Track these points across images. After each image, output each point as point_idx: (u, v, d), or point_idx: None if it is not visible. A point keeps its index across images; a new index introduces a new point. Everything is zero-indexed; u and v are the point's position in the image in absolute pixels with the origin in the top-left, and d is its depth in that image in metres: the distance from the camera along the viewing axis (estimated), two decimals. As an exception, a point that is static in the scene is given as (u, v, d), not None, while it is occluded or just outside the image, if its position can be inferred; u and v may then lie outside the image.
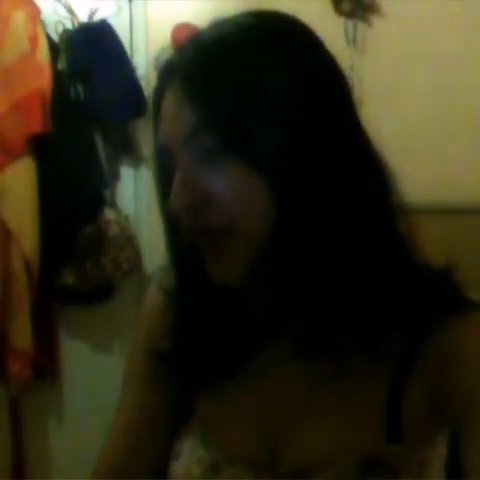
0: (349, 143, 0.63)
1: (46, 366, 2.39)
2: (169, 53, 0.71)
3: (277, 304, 0.69)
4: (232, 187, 0.61)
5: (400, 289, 0.65)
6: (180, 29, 2.38)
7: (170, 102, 0.64)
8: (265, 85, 0.61)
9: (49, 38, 2.29)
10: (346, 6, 2.29)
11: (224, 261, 0.64)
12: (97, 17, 2.34)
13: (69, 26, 2.34)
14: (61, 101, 2.25)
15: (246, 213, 0.62)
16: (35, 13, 2.25)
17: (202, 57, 0.63)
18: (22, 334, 2.23)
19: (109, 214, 2.34)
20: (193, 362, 0.73)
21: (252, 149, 0.60)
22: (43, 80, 2.19)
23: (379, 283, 0.64)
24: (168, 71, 0.66)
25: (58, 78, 2.26)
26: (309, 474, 0.66)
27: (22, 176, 2.22)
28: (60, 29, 2.33)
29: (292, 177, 0.61)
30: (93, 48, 2.27)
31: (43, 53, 2.22)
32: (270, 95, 0.60)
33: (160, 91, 0.66)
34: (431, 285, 0.67)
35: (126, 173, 2.48)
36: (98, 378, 2.47)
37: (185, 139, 0.62)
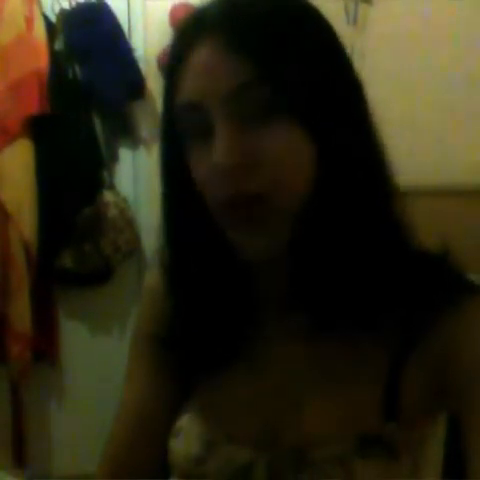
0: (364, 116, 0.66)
1: (46, 348, 2.41)
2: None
3: (295, 277, 0.68)
4: (282, 142, 0.60)
5: (404, 271, 0.66)
6: (178, 9, 2.35)
7: (207, 56, 0.61)
8: (311, 41, 0.62)
9: (46, 18, 2.28)
10: (346, -15, 2.27)
11: (263, 231, 0.62)
12: (94, -4, 2.32)
13: (66, 6, 2.31)
14: (59, 82, 2.24)
15: (292, 172, 0.61)
16: (32, -7, 2.23)
17: (248, 10, 0.61)
18: (21, 316, 2.23)
19: (108, 196, 2.33)
20: (193, 345, 0.73)
21: (300, 103, 0.60)
22: (40, 61, 2.18)
23: (383, 264, 0.65)
24: (199, 25, 0.63)
25: (55, 59, 2.24)
26: (307, 452, 0.66)
27: (20, 158, 2.21)
28: (57, 9, 2.31)
29: (333, 131, 0.61)
30: (90, 28, 2.25)
31: (40, 33, 2.21)
32: (315, 50, 0.62)
33: (186, 46, 0.63)
34: (435, 268, 0.68)
35: (124, 155, 2.47)
36: (98, 360, 2.48)
37: (232, 94, 0.59)
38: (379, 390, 0.66)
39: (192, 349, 0.73)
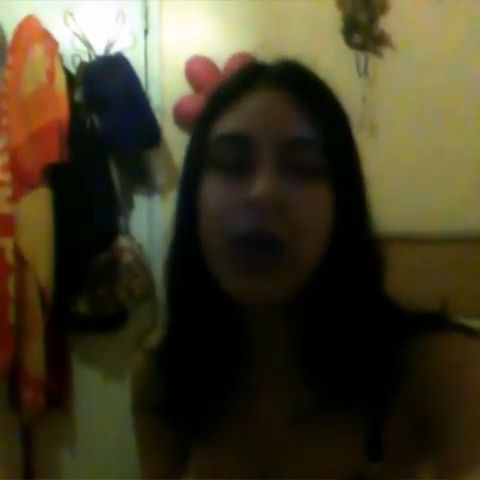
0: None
1: (59, 394, 2.40)
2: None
3: (300, 329, 0.69)
4: (318, 202, 0.62)
5: (384, 326, 0.67)
6: (194, 61, 2.43)
7: (271, 101, 0.64)
8: (344, 112, 0.68)
9: (66, 70, 2.35)
10: (357, 39, 2.33)
11: (275, 277, 0.61)
12: (113, 50, 2.41)
13: (86, 59, 2.40)
14: (77, 132, 2.30)
15: (315, 233, 0.63)
16: (53, 46, 2.31)
17: (311, 77, 0.67)
18: (35, 361, 2.24)
19: (123, 242, 2.36)
20: (182, 410, 0.74)
21: (339, 168, 0.64)
22: (60, 111, 2.24)
23: (374, 318, 0.67)
24: (263, 74, 0.66)
25: (75, 109, 2.31)
26: None
27: (38, 205, 2.25)
28: (77, 62, 2.40)
29: (350, 189, 0.65)
30: (109, 80, 2.32)
31: (60, 85, 2.28)
32: (346, 119, 0.68)
33: (244, 85, 0.65)
34: (405, 320, 0.69)
35: (140, 202, 2.51)
36: (111, 406, 2.46)
37: (289, 142, 0.62)
38: (363, 433, 0.67)
39: (180, 412, 0.75)
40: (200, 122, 0.68)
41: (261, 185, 0.60)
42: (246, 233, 0.60)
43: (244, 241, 0.61)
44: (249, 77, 0.66)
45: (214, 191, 0.64)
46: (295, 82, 0.65)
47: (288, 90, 0.63)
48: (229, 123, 0.64)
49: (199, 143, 0.67)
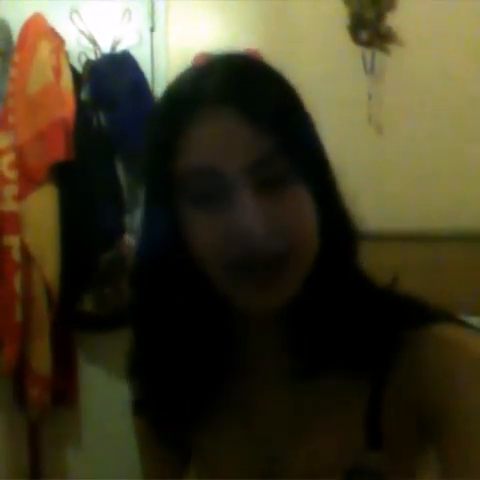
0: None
1: (65, 391, 2.41)
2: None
3: (293, 325, 0.70)
4: (299, 201, 0.63)
5: (372, 310, 0.68)
6: (200, 59, 2.41)
7: (221, 126, 0.61)
8: (302, 108, 0.67)
9: (73, 68, 2.36)
10: (364, 35, 2.32)
11: (280, 284, 0.63)
12: (119, 48, 2.41)
13: (92, 57, 2.40)
14: (83, 130, 2.30)
15: (308, 232, 0.64)
16: (59, 44, 2.32)
17: (254, 81, 0.64)
18: (42, 359, 2.25)
19: (129, 240, 2.36)
20: (177, 407, 0.74)
21: (311, 171, 0.64)
22: (66, 109, 2.25)
23: (362, 307, 0.68)
24: (202, 94, 0.62)
25: (81, 107, 2.32)
26: None
27: (44, 202, 2.26)
28: (83, 60, 2.40)
29: (327, 195, 0.66)
30: (115, 78, 2.32)
31: (66, 83, 2.29)
32: (306, 115, 0.67)
33: (187, 115, 0.62)
34: (398, 304, 0.70)
35: (146, 200, 2.50)
36: (116, 403, 2.46)
37: (252, 165, 0.61)
38: (362, 424, 0.67)
39: (178, 408, 0.75)
40: (155, 156, 0.66)
41: (247, 216, 0.59)
42: (245, 260, 0.61)
43: (244, 266, 0.61)
44: (190, 100, 0.63)
45: (200, 226, 0.63)
46: (240, 95, 0.61)
47: (236, 106, 0.60)
48: (190, 157, 0.62)
49: (161, 179, 0.65)
